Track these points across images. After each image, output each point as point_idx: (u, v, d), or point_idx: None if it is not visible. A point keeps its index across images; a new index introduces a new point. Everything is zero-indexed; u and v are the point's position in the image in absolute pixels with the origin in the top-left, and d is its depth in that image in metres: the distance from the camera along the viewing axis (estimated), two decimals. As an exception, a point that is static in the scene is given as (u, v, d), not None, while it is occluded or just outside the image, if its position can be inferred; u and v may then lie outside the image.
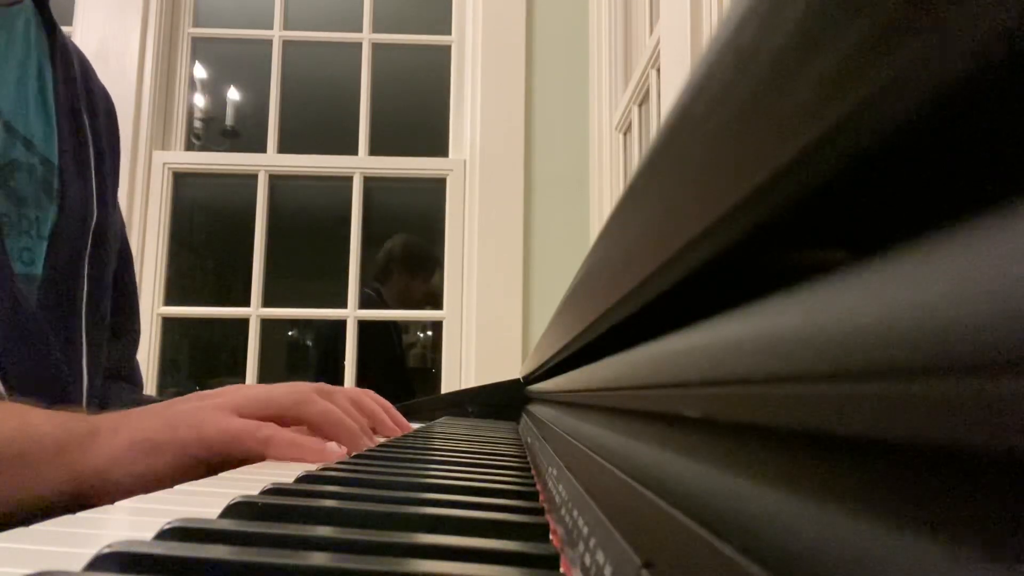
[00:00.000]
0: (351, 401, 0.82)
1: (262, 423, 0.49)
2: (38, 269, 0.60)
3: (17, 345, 0.56)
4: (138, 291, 0.82)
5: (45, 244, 0.61)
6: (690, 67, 0.11)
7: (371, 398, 0.79)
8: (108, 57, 1.77)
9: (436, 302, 1.95)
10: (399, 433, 0.75)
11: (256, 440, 0.48)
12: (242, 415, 0.49)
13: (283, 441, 0.48)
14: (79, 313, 0.64)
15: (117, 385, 0.75)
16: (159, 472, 0.46)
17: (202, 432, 0.47)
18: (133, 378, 0.80)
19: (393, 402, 0.82)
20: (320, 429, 0.53)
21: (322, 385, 0.58)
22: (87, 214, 0.66)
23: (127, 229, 1.70)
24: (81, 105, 0.67)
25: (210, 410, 0.49)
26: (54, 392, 0.57)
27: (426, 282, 2.00)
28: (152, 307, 1.76)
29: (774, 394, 0.09)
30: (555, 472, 0.35)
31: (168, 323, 1.80)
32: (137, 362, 0.82)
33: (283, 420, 0.51)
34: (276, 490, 0.31)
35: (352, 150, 1.88)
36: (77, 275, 0.64)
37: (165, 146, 1.84)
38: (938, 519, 0.06)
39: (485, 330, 1.70)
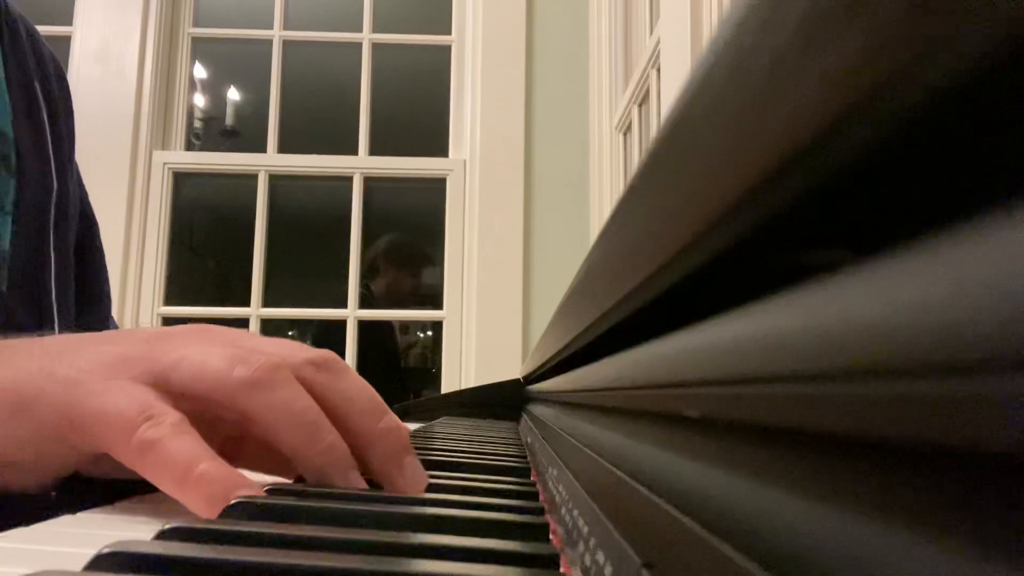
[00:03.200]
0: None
1: (167, 411, 0.29)
2: (5, 245, 0.56)
3: None
4: (104, 252, 0.76)
5: (10, 219, 0.56)
6: (690, 67, 0.11)
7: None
8: (108, 57, 1.77)
9: (425, 297, 1.96)
10: None
11: (130, 445, 0.28)
12: (161, 387, 0.30)
13: (165, 458, 0.28)
14: (48, 291, 0.59)
15: None
16: (12, 446, 0.30)
17: (69, 410, 0.29)
18: None
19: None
20: (268, 432, 0.31)
21: (324, 355, 0.35)
22: (48, 186, 0.61)
23: (127, 229, 1.71)
24: (32, 73, 0.63)
25: (107, 368, 0.30)
26: None
27: (413, 277, 2.01)
28: (152, 307, 1.76)
29: (774, 394, 0.09)
30: (555, 472, 0.35)
31: (168, 323, 1.80)
32: (114, 322, 0.77)
33: (222, 407, 0.31)
34: (276, 490, 0.31)
35: (352, 150, 1.88)
36: (43, 251, 0.60)
37: (165, 146, 1.84)
38: (938, 519, 0.06)
39: (485, 330, 1.70)
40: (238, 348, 0.32)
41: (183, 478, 0.28)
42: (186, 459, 0.28)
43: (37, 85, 0.64)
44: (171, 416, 0.29)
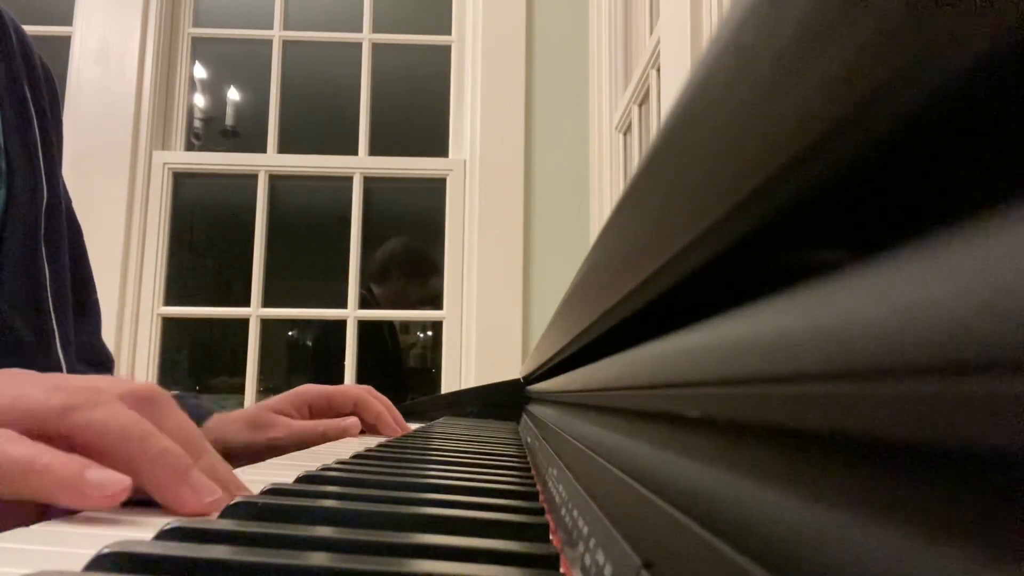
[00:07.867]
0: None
1: (38, 449, 0.28)
2: None
3: None
4: (89, 259, 0.74)
5: None
6: (690, 67, 0.11)
7: (373, 395, 0.78)
8: (108, 57, 1.77)
9: (431, 305, 1.95)
10: (399, 432, 0.75)
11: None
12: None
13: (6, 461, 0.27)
14: (45, 301, 0.58)
15: (90, 371, 0.68)
16: None
17: None
18: (100, 358, 0.72)
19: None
20: (97, 449, 0.30)
21: (148, 388, 0.34)
22: (37, 193, 0.60)
23: (127, 229, 1.71)
24: (22, 78, 0.62)
25: None
26: None
27: (423, 286, 2.00)
28: (152, 307, 1.76)
29: (774, 394, 0.09)
30: (555, 472, 0.35)
31: (168, 323, 1.80)
32: (101, 339, 0.75)
33: (59, 436, 0.30)
34: (276, 490, 0.31)
35: (352, 150, 1.88)
36: (36, 260, 0.58)
37: (165, 146, 1.84)
38: (938, 519, 0.06)
39: (485, 330, 1.70)
40: (56, 383, 0.31)
41: (27, 471, 0.27)
42: (28, 457, 0.27)
43: (27, 90, 0.62)
44: (2, 432, 0.28)
